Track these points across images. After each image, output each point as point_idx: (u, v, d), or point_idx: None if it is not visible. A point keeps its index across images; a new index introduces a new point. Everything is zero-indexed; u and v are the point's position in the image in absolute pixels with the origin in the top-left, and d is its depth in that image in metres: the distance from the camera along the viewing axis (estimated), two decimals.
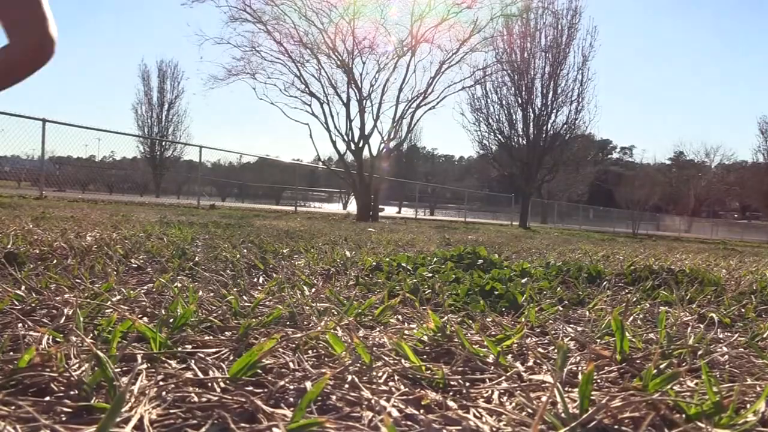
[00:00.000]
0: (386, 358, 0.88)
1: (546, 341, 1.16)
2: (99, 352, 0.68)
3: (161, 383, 0.73)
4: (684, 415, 0.68)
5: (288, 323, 1.13)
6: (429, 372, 0.84)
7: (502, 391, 0.78)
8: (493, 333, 1.17)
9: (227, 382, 0.74)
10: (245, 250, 2.48)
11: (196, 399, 0.67)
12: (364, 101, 14.59)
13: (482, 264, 2.28)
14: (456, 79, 15.70)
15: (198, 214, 7.78)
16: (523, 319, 1.33)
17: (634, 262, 2.92)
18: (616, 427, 0.65)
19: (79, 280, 1.44)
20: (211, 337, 0.98)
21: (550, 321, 1.36)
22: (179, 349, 0.88)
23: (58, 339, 0.89)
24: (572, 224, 31.55)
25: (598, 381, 0.85)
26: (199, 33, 15.33)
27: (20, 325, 0.97)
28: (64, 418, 0.62)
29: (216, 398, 0.67)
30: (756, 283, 2.22)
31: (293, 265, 2.11)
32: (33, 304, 1.13)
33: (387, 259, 2.26)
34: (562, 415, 0.65)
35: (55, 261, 1.75)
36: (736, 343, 1.18)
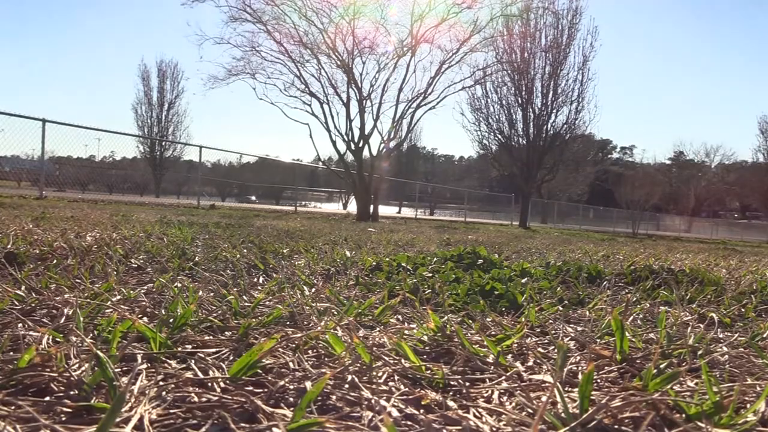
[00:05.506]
0: (386, 358, 0.88)
1: (546, 341, 1.16)
2: (99, 352, 0.68)
3: (161, 383, 0.73)
4: (684, 415, 0.68)
5: (288, 323, 1.13)
6: (429, 372, 0.84)
7: (502, 391, 0.78)
8: (493, 333, 1.17)
9: (227, 382, 0.74)
10: (245, 250, 2.48)
11: (196, 399, 0.67)
12: (364, 101, 14.58)
13: (482, 264, 2.28)
14: (456, 79, 15.70)
15: (198, 214, 7.78)
16: (523, 319, 1.33)
17: (634, 262, 2.92)
18: (616, 427, 0.65)
19: (79, 280, 1.44)
20: (211, 337, 0.98)
21: (550, 321, 1.36)
22: (179, 349, 0.88)
23: (58, 339, 0.89)
24: (572, 224, 31.53)
25: (598, 381, 0.85)
26: (199, 33, 15.33)
27: (20, 325, 0.97)
28: (64, 418, 0.62)
29: (216, 398, 0.67)
30: (756, 283, 2.22)
31: (293, 265, 2.10)
32: (33, 304, 1.13)
33: (387, 259, 2.26)
34: (562, 415, 0.65)
35: (55, 261, 1.75)
36: (736, 343, 1.18)
